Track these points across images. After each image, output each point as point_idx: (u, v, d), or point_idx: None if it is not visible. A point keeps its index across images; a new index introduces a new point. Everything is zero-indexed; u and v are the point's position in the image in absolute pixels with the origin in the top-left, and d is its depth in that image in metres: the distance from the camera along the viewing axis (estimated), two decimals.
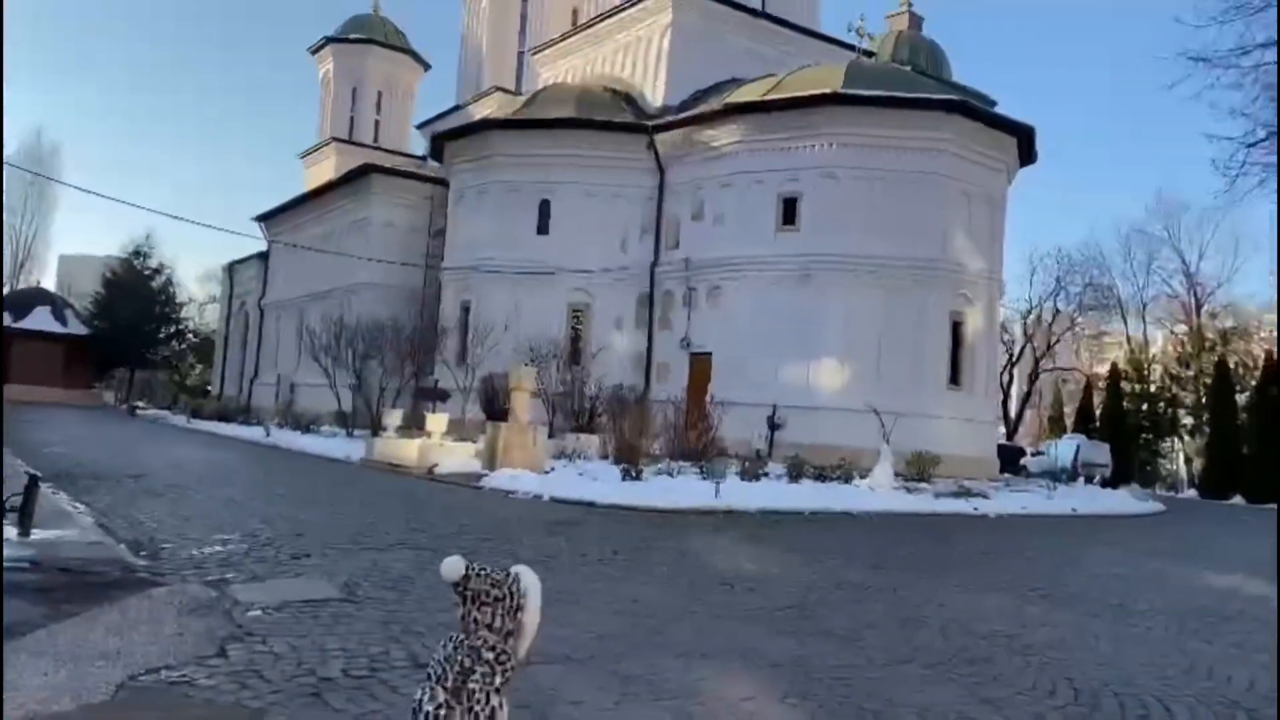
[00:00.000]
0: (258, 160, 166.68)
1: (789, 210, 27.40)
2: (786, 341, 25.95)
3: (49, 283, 66.56)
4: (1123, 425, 43.96)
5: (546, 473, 16.94)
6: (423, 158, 42.93)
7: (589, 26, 37.36)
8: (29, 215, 59.08)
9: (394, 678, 4.57)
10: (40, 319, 48.85)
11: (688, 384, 27.56)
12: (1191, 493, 43.01)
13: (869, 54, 35.19)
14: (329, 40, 53.51)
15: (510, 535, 10.21)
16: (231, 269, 52.96)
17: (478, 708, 2.81)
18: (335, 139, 51.72)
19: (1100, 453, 37.68)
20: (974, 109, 28.37)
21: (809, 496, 16.34)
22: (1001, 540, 13.99)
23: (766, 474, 18.55)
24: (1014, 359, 52.65)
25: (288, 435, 26.97)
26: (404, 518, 11.06)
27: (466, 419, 24.67)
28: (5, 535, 6.85)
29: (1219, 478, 39.42)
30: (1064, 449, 37.79)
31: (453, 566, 2.85)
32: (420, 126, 50.38)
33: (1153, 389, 48.59)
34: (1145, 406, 47.34)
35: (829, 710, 4.61)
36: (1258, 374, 41.90)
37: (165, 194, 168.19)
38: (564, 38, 38.96)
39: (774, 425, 25.20)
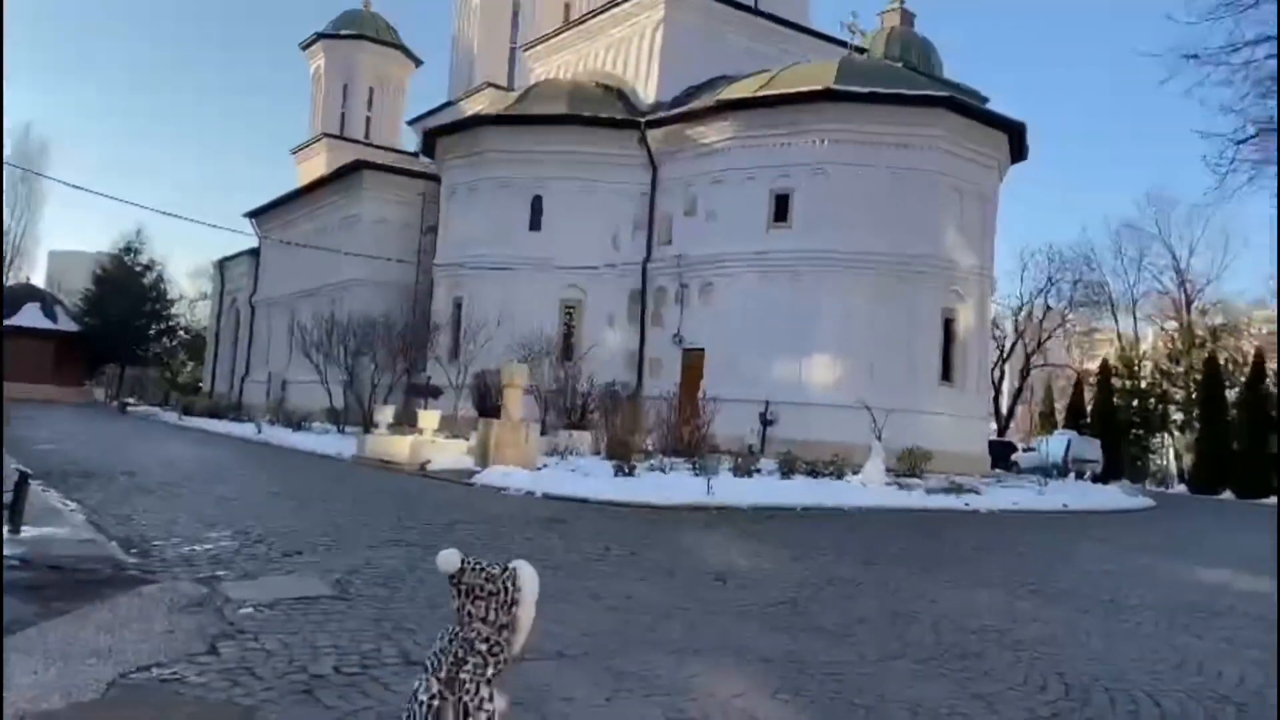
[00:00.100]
0: (256, 158, 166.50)
1: (781, 207, 27.43)
2: (779, 338, 25.99)
3: (38, 279, 66.32)
4: (1113, 421, 44.14)
5: (539, 469, 16.93)
6: (414, 154, 42.90)
7: (581, 22, 37.31)
8: (18, 211, 58.77)
9: (386, 674, 4.56)
10: (30, 316, 48.66)
11: (680, 380, 27.59)
12: (1181, 488, 43.23)
13: (861, 50, 35.21)
14: (320, 36, 53.30)
15: (503, 532, 10.20)
16: (222, 265, 52.77)
17: (466, 698, 2.84)
18: (326, 135, 51.55)
19: (1091, 448, 37.81)
20: (965, 105, 28.44)
21: (801, 492, 16.37)
22: (993, 536, 14.03)
23: (759, 470, 18.58)
24: (1005, 355, 52.81)
25: (279, 432, 26.90)
26: (396, 515, 11.04)
27: (459, 415, 24.65)
28: None
29: (1209, 473, 39.64)
30: (1055, 445, 37.91)
31: (448, 559, 2.88)
32: (412, 122, 50.23)
33: (1143, 385, 48.78)
34: (1136, 402, 47.54)
35: (821, 706, 4.62)
36: (1247, 370, 42.09)
37: (164, 192, 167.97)
38: (556, 33, 38.91)
39: (766, 421, 25.24)
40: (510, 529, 10.48)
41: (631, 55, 34.17)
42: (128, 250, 54.89)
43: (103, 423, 30.85)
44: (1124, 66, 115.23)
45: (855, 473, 18.88)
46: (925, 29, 45.93)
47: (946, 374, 27.15)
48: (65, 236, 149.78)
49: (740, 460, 18.80)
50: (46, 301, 51.82)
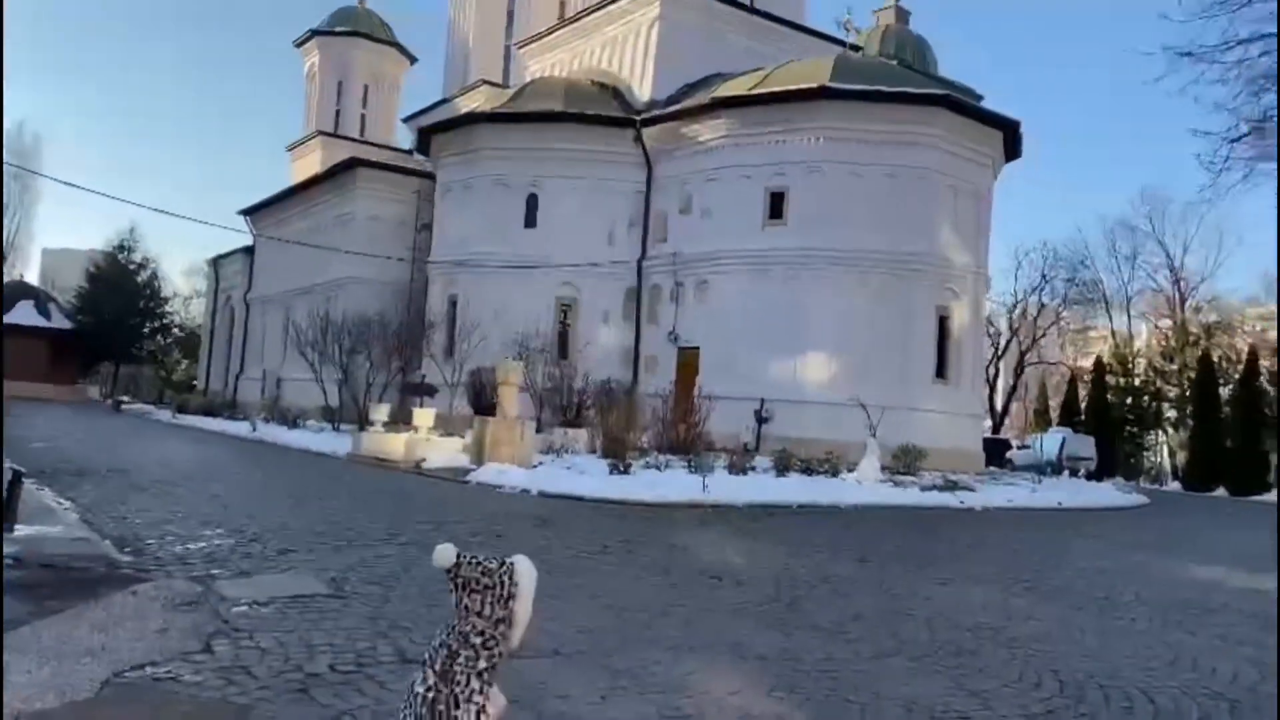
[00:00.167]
0: (251, 156, 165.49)
1: (776, 204, 27.42)
2: (774, 335, 25.99)
3: (32, 276, 66.03)
4: (1107, 419, 44.25)
5: (534, 467, 16.93)
6: (409, 151, 42.75)
7: (576, 20, 37.26)
8: (11, 208, 58.56)
9: (380, 673, 4.56)
10: (23, 313, 48.45)
11: (675, 378, 27.56)
12: (1175, 485, 43.34)
13: (856, 49, 35.23)
14: (315, 33, 53.20)
15: (498, 530, 10.20)
16: (216, 263, 52.64)
17: (458, 689, 2.85)
18: (321, 132, 51.44)
19: (1085, 446, 37.91)
20: (960, 104, 28.44)
21: (796, 490, 16.39)
22: (987, 533, 14.07)
23: (754, 468, 18.59)
24: (1000, 353, 52.89)
25: (274, 430, 26.86)
26: (391, 513, 11.04)
27: (454, 413, 24.63)
28: None
29: (1202, 471, 39.77)
30: (1049, 442, 38.03)
31: (444, 554, 2.89)
32: (407, 120, 50.16)
33: (1137, 383, 48.91)
34: (1130, 400, 47.67)
35: (816, 703, 4.63)
36: (1241, 368, 42.27)
37: (159, 189, 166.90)
38: (551, 31, 38.86)
39: (761, 419, 25.25)
40: (505, 526, 10.48)
41: (627, 53, 34.14)
42: (122, 248, 54.71)
43: (97, 421, 30.78)
44: (1118, 65, 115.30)
45: (850, 470, 18.91)
46: (920, 27, 46.08)
47: (941, 371, 27.17)
48: (59, 234, 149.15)
49: (735, 458, 18.81)
50: (40, 299, 51.62)
